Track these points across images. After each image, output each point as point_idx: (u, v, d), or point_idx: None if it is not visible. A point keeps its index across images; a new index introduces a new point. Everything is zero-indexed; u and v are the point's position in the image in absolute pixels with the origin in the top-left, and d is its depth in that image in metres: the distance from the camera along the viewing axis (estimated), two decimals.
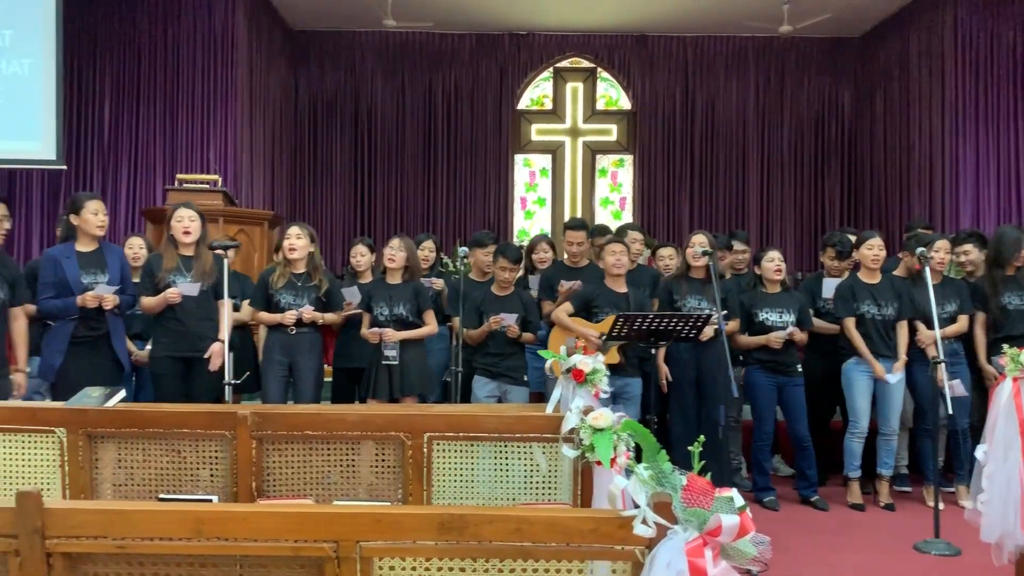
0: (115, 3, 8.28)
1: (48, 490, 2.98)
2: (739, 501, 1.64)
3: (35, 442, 3.01)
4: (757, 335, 4.95)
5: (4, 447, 2.99)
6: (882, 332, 4.94)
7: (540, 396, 5.27)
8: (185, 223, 4.51)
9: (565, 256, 5.53)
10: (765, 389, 4.98)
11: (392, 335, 4.64)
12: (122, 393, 3.26)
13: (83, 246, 4.42)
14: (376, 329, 4.65)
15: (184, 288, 4.39)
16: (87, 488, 3.01)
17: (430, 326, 4.83)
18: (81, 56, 8.18)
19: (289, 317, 4.65)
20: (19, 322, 4.25)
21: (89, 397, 3.22)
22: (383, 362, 4.66)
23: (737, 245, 5.78)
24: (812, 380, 5.10)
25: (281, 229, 5.06)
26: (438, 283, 5.41)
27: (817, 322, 5.19)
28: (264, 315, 4.78)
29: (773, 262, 5.03)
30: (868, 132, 10.06)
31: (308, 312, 4.65)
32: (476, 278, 5.40)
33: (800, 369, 4.98)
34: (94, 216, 4.37)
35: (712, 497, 1.64)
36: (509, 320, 4.72)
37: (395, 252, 4.82)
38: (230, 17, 8.29)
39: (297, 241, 4.77)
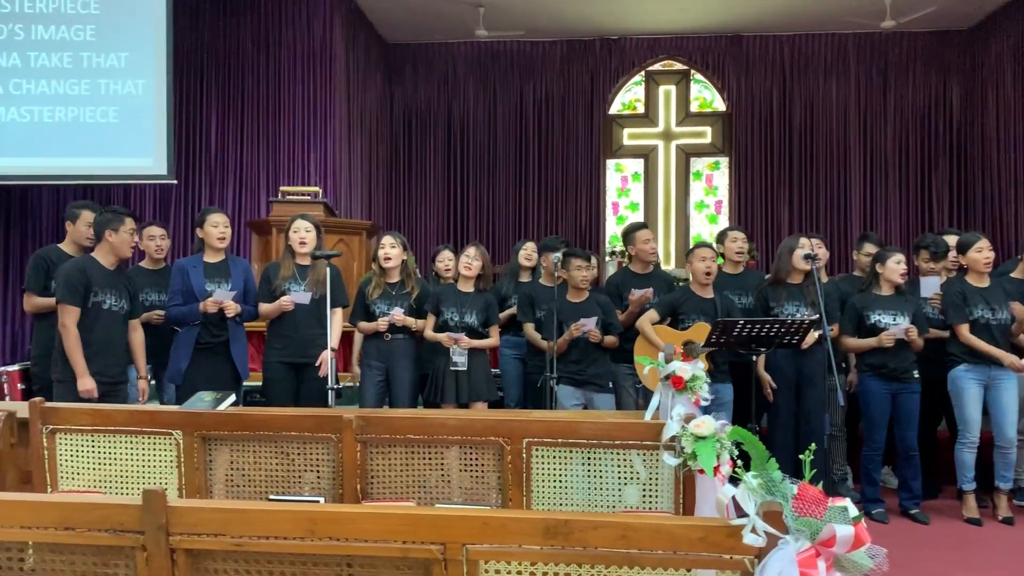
0: (221, 24, 8.65)
1: (166, 489, 3.12)
2: (853, 511, 1.60)
3: (154, 443, 3.16)
4: (868, 338, 4.77)
5: (128, 448, 3.15)
6: (997, 337, 4.70)
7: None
8: (301, 234, 4.72)
9: (628, 262, 5.48)
10: (878, 397, 4.77)
11: (466, 343, 4.71)
12: (232, 397, 3.39)
13: (210, 257, 4.68)
14: (452, 334, 4.71)
15: (296, 297, 4.57)
16: (201, 488, 3.14)
17: (494, 339, 4.94)
18: (189, 75, 8.56)
19: (382, 324, 4.78)
20: (137, 333, 4.56)
21: (202, 401, 3.36)
22: (451, 368, 4.72)
23: (868, 247, 5.56)
24: None
25: (378, 239, 5.17)
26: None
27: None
28: (363, 324, 4.93)
29: (900, 264, 4.83)
30: (979, 129, 9.59)
31: (398, 315, 4.75)
32: (546, 283, 5.36)
33: (917, 375, 4.76)
34: (214, 229, 4.64)
35: (825, 506, 1.59)
36: (590, 325, 4.69)
37: (471, 261, 4.89)
38: (328, 34, 8.55)
39: (392, 250, 4.89)
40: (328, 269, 4.69)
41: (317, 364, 4.58)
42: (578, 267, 4.80)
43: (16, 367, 5.27)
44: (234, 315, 4.56)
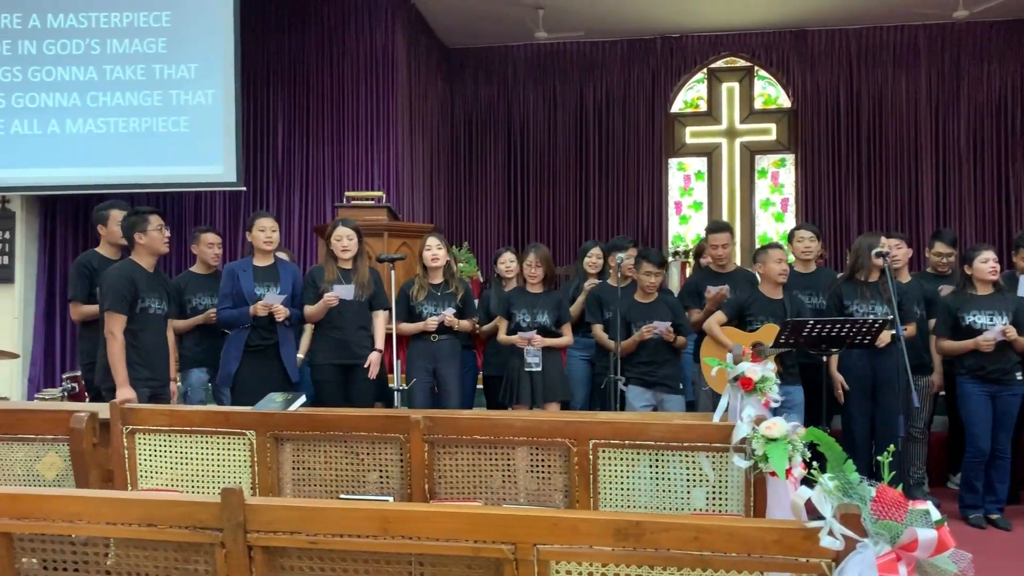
0: (286, 33, 8.84)
1: (240, 488, 3.20)
2: (936, 515, 1.55)
3: (228, 443, 3.24)
4: (964, 340, 4.61)
5: (203, 448, 3.23)
6: None
7: (691, 405, 5.16)
8: (344, 242, 4.75)
9: (710, 261, 5.40)
10: (978, 400, 4.58)
11: (539, 341, 4.68)
12: (303, 398, 3.46)
13: (259, 261, 4.75)
14: (525, 334, 4.70)
15: (339, 291, 4.60)
16: (274, 487, 3.21)
17: (568, 337, 4.89)
18: (257, 83, 8.76)
19: (432, 323, 4.78)
20: (171, 334, 4.57)
21: (273, 402, 3.44)
22: (525, 370, 4.71)
23: (940, 247, 5.40)
24: None
25: (422, 240, 5.19)
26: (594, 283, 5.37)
27: None
28: (405, 325, 4.88)
29: (988, 263, 4.63)
30: None
31: (450, 316, 4.77)
32: (613, 283, 5.30)
33: (1021, 376, 4.56)
34: (261, 233, 4.70)
35: (905, 509, 1.55)
36: (662, 328, 4.64)
37: (534, 270, 4.87)
38: (390, 40, 8.66)
39: (438, 251, 4.91)
40: (371, 272, 4.74)
41: (366, 365, 4.62)
42: (647, 272, 4.77)
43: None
44: (283, 318, 4.62)
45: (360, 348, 4.66)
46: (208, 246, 5.26)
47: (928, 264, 5.56)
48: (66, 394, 5.36)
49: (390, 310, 4.82)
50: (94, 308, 4.49)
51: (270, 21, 8.78)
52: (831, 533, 1.60)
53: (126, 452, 3.26)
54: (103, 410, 3.26)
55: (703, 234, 9.79)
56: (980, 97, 9.71)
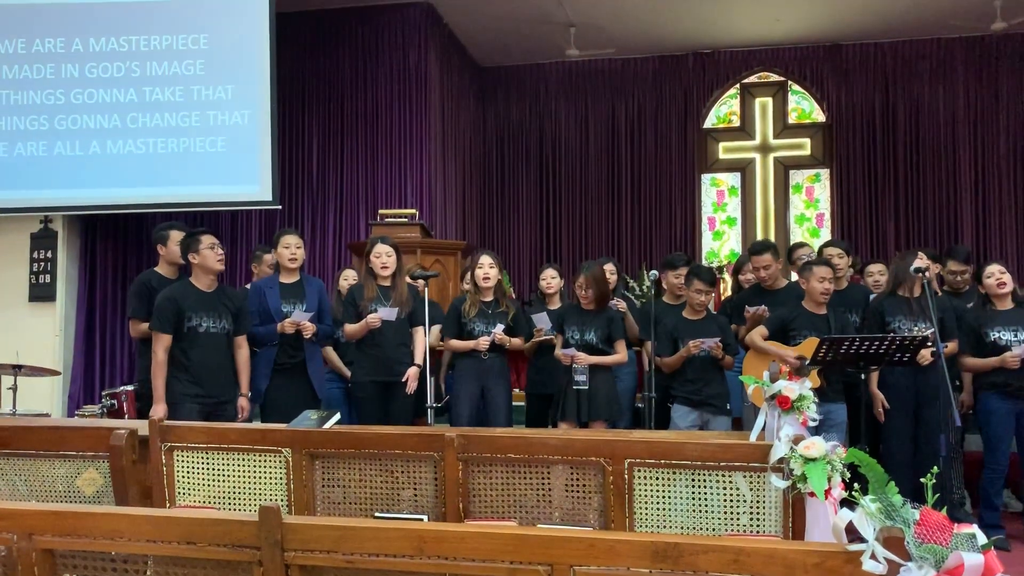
0: (321, 53, 8.96)
1: (277, 506, 3.22)
2: (982, 538, 1.52)
3: (265, 461, 3.26)
4: (988, 356, 4.54)
5: (240, 465, 3.26)
6: None
7: (738, 423, 5.11)
8: (383, 259, 4.78)
9: (749, 279, 5.37)
10: (1001, 416, 4.53)
11: (584, 359, 4.65)
12: (337, 416, 3.48)
13: (285, 278, 4.80)
14: (568, 350, 4.69)
15: (383, 313, 4.63)
16: (309, 505, 3.23)
17: (620, 354, 4.80)
18: (292, 103, 8.88)
19: (483, 343, 4.78)
20: (242, 350, 4.62)
21: (308, 419, 3.46)
22: (573, 387, 4.67)
23: (952, 265, 5.31)
24: None
25: (473, 258, 5.21)
26: (622, 304, 5.36)
27: None
28: (456, 342, 4.91)
29: (993, 276, 4.59)
30: None
31: (501, 334, 4.77)
32: (669, 301, 5.30)
33: None
34: (286, 250, 4.77)
35: (950, 533, 1.52)
36: (711, 343, 4.60)
37: (585, 291, 4.80)
38: (423, 60, 8.74)
39: (491, 270, 4.92)
40: (410, 288, 4.76)
41: (404, 380, 4.63)
42: (698, 290, 4.75)
43: (132, 387, 5.50)
44: (311, 335, 4.64)
45: (400, 365, 4.69)
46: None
47: (944, 282, 5.46)
48: (105, 411, 5.44)
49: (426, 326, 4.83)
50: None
51: (305, 41, 8.90)
52: (874, 556, 1.57)
53: (164, 469, 3.30)
54: (142, 427, 3.31)
55: (738, 250, 9.78)
56: (1020, 109, 9.55)
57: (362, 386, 4.74)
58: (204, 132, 7.93)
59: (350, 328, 4.73)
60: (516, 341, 4.92)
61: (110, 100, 7.75)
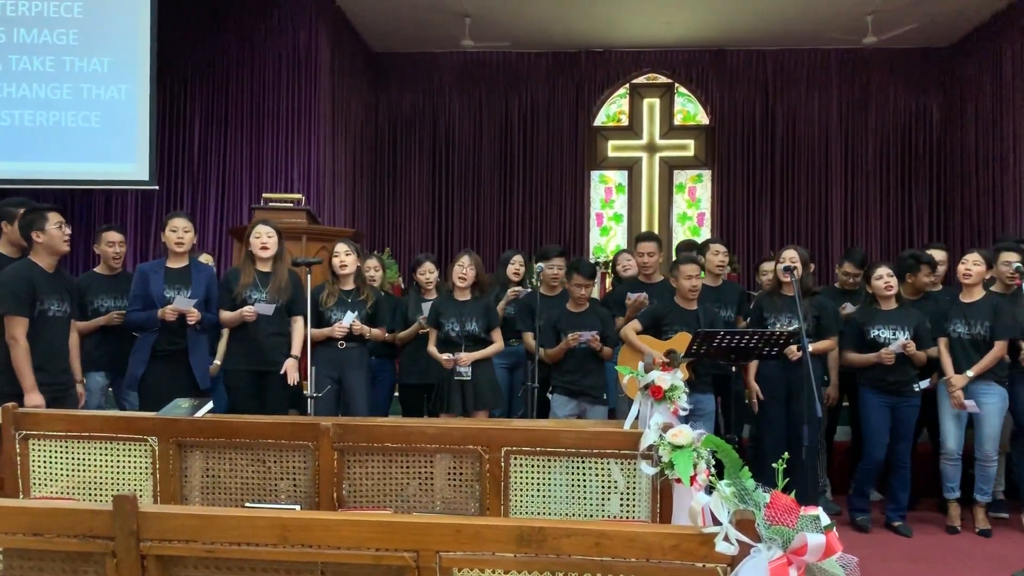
0: (205, 30, 8.63)
1: (140, 496, 3.09)
2: (825, 520, 1.60)
3: (129, 450, 3.13)
4: (869, 353, 4.80)
5: (102, 454, 3.12)
6: (969, 352, 4.75)
7: (613, 413, 5.22)
8: (263, 239, 4.60)
9: (637, 271, 5.50)
10: (877, 411, 4.78)
11: (466, 359, 4.66)
12: (209, 404, 3.36)
13: (173, 263, 4.58)
14: (449, 356, 4.68)
15: (260, 308, 4.47)
16: (176, 495, 3.12)
17: (498, 343, 4.83)
18: (173, 81, 8.53)
19: (339, 330, 4.68)
20: (74, 335, 4.34)
21: (179, 408, 3.33)
22: (455, 378, 4.68)
23: (848, 267, 5.58)
24: None
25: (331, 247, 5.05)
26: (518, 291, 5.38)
27: None
28: (314, 331, 4.72)
29: (882, 279, 4.84)
30: (959, 144, 9.70)
31: (358, 324, 4.70)
32: (545, 292, 5.33)
33: (917, 388, 4.76)
34: (172, 233, 4.55)
35: (796, 515, 1.60)
36: (588, 335, 4.69)
37: (466, 270, 4.82)
38: (313, 42, 8.54)
39: (347, 258, 4.79)
40: (291, 276, 4.64)
41: (282, 372, 4.52)
42: (578, 284, 4.81)
43: None
44: (195, 322, 4.47)
45: (275, 354, 4.54)
46: (108, 245, 5.00)
47: (836, 280, 5.76)
48: None
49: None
50: None
51: (188, 17, 8.54)
52: (727, 538, 1.64)
53: (19, 458, 3.12)
54: None
55: (624, 246, 10.00)
56: (887, 120, 10.15)
57: (235, 375, 4.57)
58: (77, 106, 7.53)
59: (225, 316, 4.56)
60: (376, 332, 4.84)
61: None
